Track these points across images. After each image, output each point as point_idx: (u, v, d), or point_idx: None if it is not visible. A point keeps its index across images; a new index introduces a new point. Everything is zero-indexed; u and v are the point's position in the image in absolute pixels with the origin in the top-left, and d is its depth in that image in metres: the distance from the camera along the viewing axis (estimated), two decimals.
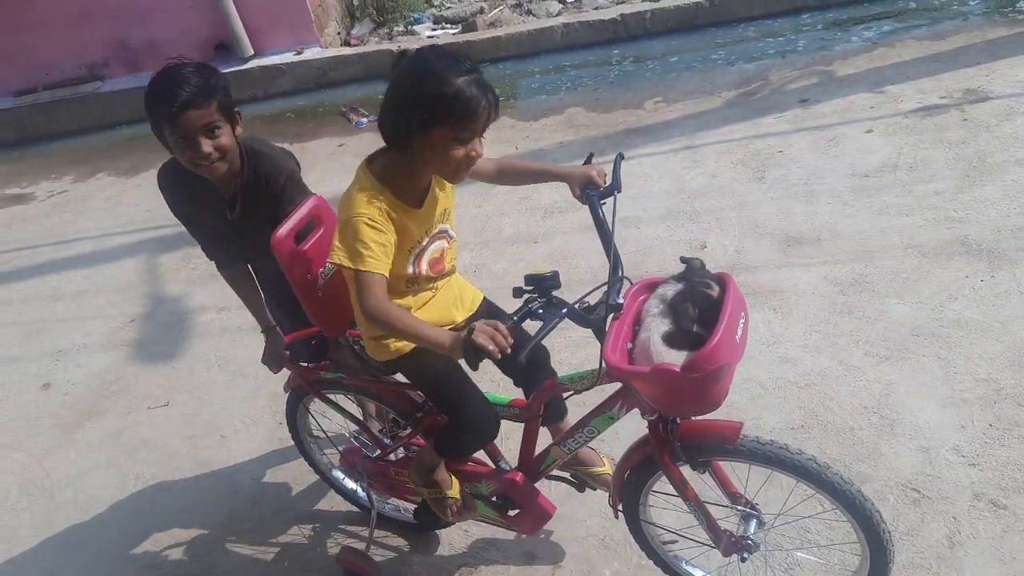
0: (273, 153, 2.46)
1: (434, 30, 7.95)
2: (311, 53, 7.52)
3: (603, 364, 1.92)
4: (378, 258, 1.92)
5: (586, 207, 2.24)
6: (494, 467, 2.57)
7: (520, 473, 2.44)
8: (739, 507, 2.22)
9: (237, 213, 2.47)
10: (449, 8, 8.39)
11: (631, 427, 2.29)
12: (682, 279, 1.98)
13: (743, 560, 2.22)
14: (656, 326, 1.90)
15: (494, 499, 2.55)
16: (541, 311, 1.96)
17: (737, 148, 4.98)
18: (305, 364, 2.68)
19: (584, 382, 2.13)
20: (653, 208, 4.52)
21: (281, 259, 2.28)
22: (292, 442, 3.00)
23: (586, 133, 5.63)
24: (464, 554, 2.85)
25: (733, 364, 1.86)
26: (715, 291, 1.91)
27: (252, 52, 7.51)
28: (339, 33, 8.03)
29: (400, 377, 2.43)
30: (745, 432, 2.02)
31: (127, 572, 3.09)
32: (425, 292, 2.25)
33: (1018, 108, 4.70)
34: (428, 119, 1.86)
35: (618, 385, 2.11)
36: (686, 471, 2.14)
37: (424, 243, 2.13)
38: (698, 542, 2.33)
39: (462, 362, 1.88)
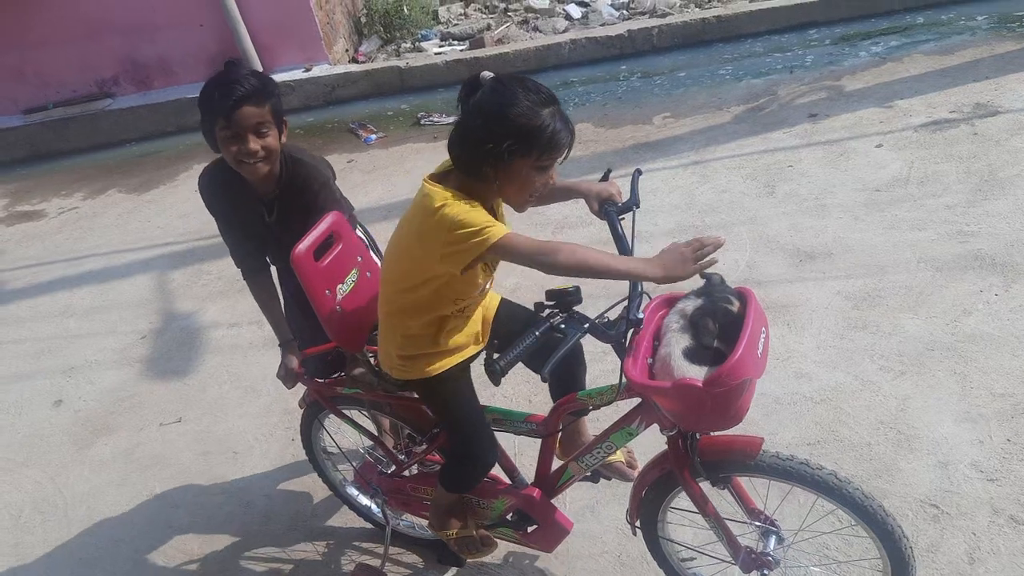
0: (312, 162, 2.54)
1: (441, 47, 7.99)
2: (320, 70, 7.58)
3: (624, 379, 1.92)
4: (497, 223, 1.89)
5: (598, 220, 2.24)
6: (510, 483, 2.56)
7: (537, 489, 2.43)
8: (758, 523, 2.21)
9: (275, 217, 2.54)
10: (456, 25, 8.43)
11: (645, 435, 2.28)
12: (702, 294, 1.98)
13: None
14: (676, 341, 1.89)
15: (510, 516, 2.54)
16: (563, 326, 1.95)
17: (747, 163, 4.99)
18: (320, 380, 2.68)
19: (603, 397, 2.13)
20: (664, 223, 4.53)
21: (300, 274, 2.29)
22: (305, 458, 2.99)
23: (595, 149, 5.64)
24: (479, 572, 2.84)
25: (755, 379, 1.86)
26: (735, 306, 1.91)
27: (261, 69, 7.55)
28: (347, 50, 8.09)
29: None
30: (764, 448, 2.01)
31: None
32: (475, 307, 2.26)
33: None
34: (514, 149, 1.84)
35: (636, 400, 2.10)
36: (705, 487, 2.13)
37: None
38: (717, 559, 2.32)
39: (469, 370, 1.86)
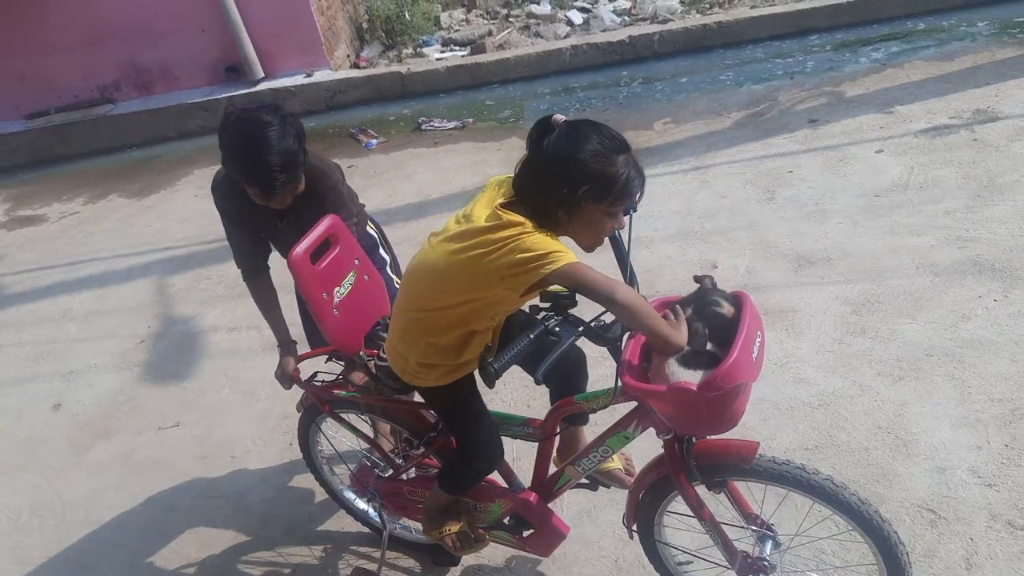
0: (322, 165, 2.59)
1: (443, 52, 8.01)
2: (321, 75, 7.58)
3: (619, 383, 1.92)
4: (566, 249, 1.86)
5: None
6: (507, 486, 2.56)
7: (534, 493, 2.43)
8: (755, 527, 2.21)
9: (286, 222, 2.59)
10: (458, 31, 8.45)
11: (641, 438, 2.28)
12: (692, 300, 1.97)
13: None
14: None
15: (507, 520, 2.54)
16: (558, 328, 1.95)
17: (747, 168, 4.99)
18: (319, 382, 2.68)
19: (599, 401, 2.13)
20: (664, 228, 4.53)
21: (297, 277, 2.30)
22: (303, 462, 2.99)
23: None
24: (477, 575, 2.84)
25: (750, 383, 1.86)
26: (726, 310, 1.91)
27: (263, 75, 7.57)
28: (348, 56, 8.10)
29: (415, 396, 2.43)
30: (760, 452, 2.01)
31: None
32: (502, 320, 2.23)
33: None
34: (588, 193, 1.83)
35: (632, 404, 2.10)
36: (701, 491, 2.13)
37: None
38: (713, 563, 2.32)
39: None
